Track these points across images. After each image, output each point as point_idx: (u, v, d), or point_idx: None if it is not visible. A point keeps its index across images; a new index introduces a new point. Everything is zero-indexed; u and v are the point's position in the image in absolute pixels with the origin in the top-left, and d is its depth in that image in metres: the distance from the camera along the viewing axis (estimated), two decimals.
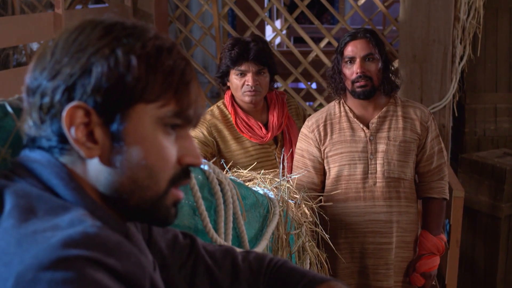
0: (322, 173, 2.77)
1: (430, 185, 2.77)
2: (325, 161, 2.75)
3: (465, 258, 4.10)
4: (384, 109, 2.71)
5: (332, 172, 2.74)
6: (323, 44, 4.16)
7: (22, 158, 0.96)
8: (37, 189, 0.91)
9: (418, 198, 2.82)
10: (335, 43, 3.96)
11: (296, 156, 2.81)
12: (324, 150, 2.74)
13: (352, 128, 2.71)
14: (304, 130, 2.78)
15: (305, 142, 2.77)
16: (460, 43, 3.88)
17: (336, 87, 2.74)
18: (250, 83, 2.77)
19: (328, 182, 2.75)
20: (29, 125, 0.95)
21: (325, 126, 2.74)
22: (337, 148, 2.71)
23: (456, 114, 4.17)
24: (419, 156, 2.74)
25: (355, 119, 2.71)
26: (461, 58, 3.94)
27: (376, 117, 2.70)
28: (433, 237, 2.76)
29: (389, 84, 2.69)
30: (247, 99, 2.81)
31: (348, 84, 2.67)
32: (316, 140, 2.74)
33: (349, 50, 2.66)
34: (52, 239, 0.80)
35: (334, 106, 2.78)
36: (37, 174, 0.93)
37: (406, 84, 3.79)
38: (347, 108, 2.74)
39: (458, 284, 3.23)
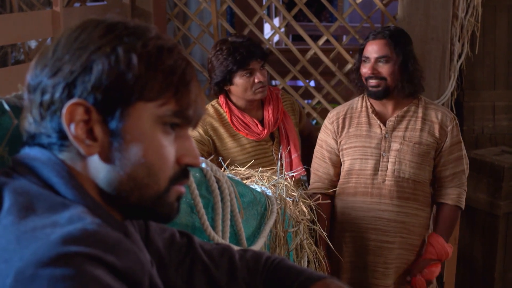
0: (338, 165, 2.81)
1: (445, 191, 2.74)
2: (340, 153, 2.78)
3: (463, 255, 4.10)
4: (404, 108, 2.71)
5: (345, 165, 2.77)
6: (321, 42, 4.16)
7: (23, 155, 0.97)
8: (37, 186, 0.91)
9: (433, 203, 2.79)
10: (334, 41, 3.97)
11: (316, 147, 2.87)
12: (340, 142, 2.77)
13: (369, 124, 2.73)
14: (325, 121, 2.84)
15: (325, 133, 2.82)
16: (459, 41, 3.88)
17: (356, 84, 2.78)
18: (261, 79, 2.77)
19: (342, 174, 2.79)
20: (29, 122, 0.96)
21: (344, 119, 2.78)
22: (352, 142, 2.73)
23: (455, 112, 4.17)
24: (436, 160, 2.72)
25: (374, 115, 2.73)
26: (460, 56, 3.94)
27: (395, 115, 2.71)
28: (444, 242, 2.69)
29: (407, 87, 2.67)
30: (259, 95, 2.81)
31: (364, 82, 2.71)
32: (334, 131, 2.78)
33: (366, 50, 2.70)
34: (51, 235, 0.81)
35: (357, 101, 2.81)
36: (37, 172, 0.94)
37: None
38: (368, 104, 2.76)
39: (456, 282, 3.24)
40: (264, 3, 4.56)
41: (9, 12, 4.27)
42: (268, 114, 2.89)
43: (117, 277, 0.83)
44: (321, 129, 2.86)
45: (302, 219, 2.28)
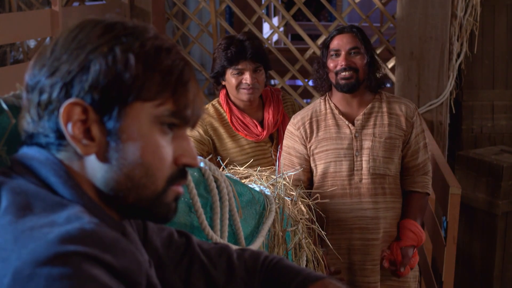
0: (308, 170, 2.77)
1: (413, 179, 2.76)
2: (311, 158, 2.75)
3: (462, 254, 4.11)
4: (369, 105, 2.72)
5: (318, 169, 2.74)
6: (320, 41, 4.16)
7: (21, 155, 0.97)
8: (35, 186, 0.91)
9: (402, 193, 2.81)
10: None
11: (283, 154, 2.80)
12: (310, 147, 2.74)
13: (337, 125, 2.71)
14: (290, 127, 2.78)
15: (291, 139, 2.76)
16: (457, 40, 3.89)
17: (321, 83, 2.74)
18: (248, 81, 2.78)
19: (315, 179, 2.75)
20: (27, 122, 0.96)
21: (311, 123, 2.74)
22: (323, 146, 2.71)
23: (453, 111, 4.17)
24: (404, 151, 2.73)
25: (341, 116, 2.71)
26: (458, 55, 3.95)
27: (362, 113, 2.70)
28: (421, 227, 2.71)
29: (374, 80, 2.70)
30: (245, 97, 2.81)
31: (332, 77, 2.68)
32: (302, 137, 2.74)
33: (335, 44, 2.67)
34: (49, 235, 0.81)
35: (319, 103, 2.78)
36: (36, 172, 0.94)
37: (403, 82, 3.79)
38: (332, 105, 2.74)
39: (455, 281, 3.23)
40: (263, 2, 4.57)
41: (8, 11, 4.27)
42: (268, 116, 2.89)
43: (115, 276, 0.83)
44: (286, 135, 2.80)
45: (300, 218, 2.28)
